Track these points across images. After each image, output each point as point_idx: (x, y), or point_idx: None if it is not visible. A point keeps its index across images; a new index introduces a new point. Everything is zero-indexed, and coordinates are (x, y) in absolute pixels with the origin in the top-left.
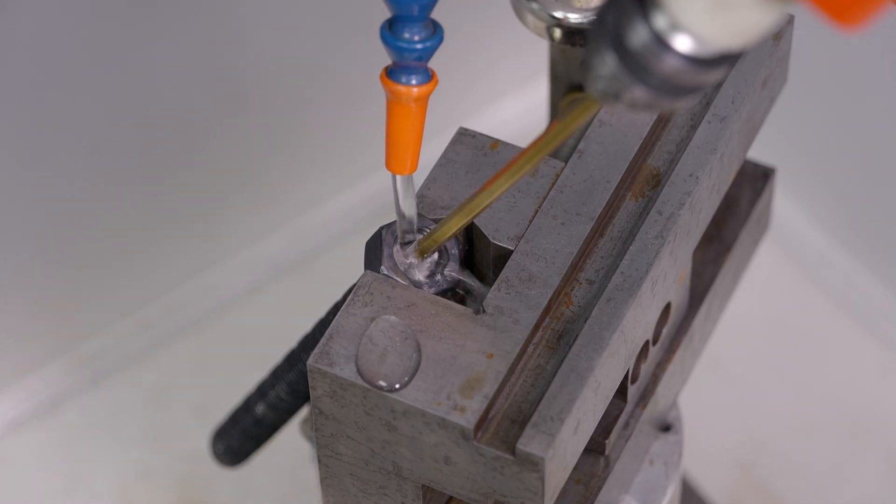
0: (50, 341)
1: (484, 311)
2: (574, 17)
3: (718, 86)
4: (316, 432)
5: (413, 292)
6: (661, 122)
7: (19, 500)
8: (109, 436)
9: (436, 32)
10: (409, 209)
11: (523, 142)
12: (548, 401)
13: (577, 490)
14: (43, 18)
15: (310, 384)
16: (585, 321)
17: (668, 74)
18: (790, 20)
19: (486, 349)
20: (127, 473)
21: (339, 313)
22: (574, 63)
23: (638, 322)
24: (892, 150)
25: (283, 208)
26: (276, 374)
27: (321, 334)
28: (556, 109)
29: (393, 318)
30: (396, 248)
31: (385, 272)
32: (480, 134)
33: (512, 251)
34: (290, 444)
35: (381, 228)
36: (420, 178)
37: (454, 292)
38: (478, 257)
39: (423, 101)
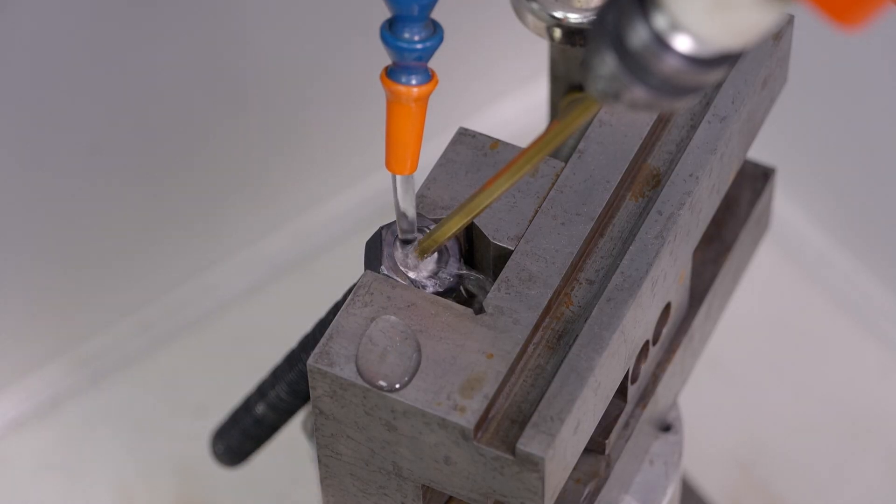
0: (50, 341)
1: (484, 310)
2: (574, 17)
3: (718, 86)
4: (316, 432)
5: (413, 292)
6: (661, 122)
7: (19, 500)
8: (109, 436)
9: (436, 32)
10: (409, 209)
11: (523, 142)
12: (548, 401)
13: (577, 490)
14: (43, 18)
15: (310, 384)
16: (585, 321)
17: (668, 74)
18: (790, 20)
19: (486, 349)
20: (127, 473)
21: (339, 313)
22: (574, 63)
23: (638, 322)
24: (892, 150)
25: (283, 208)
26: (276, 374)
27: (321, 334)
28: (556, 109)
29: (393, 318)
30: (396, 247)
31: (385, 272)
32: (480, 134)
33: (512, 251)
34: (290, 444)
35: (381, 228)
36: (420, 178)
37: (455, 292)
38: (478, 257)
39: (423, 101)
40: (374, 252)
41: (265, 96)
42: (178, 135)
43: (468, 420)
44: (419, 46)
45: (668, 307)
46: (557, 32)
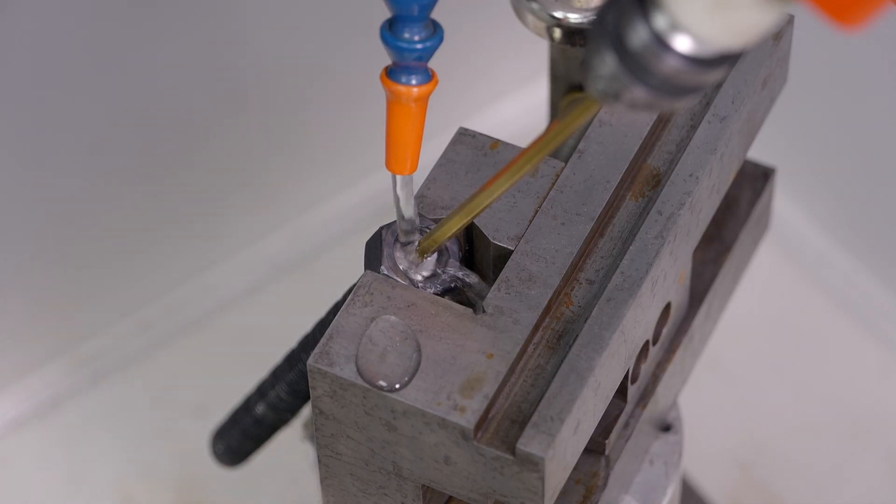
0: (50, 341)
1: (484, 311)
2: (574, 17)
3: (718, 86)
4: (316, 432)
5: (413, 292)
6: (661, 122)
7: (19, 500)
8: (109, 436)
9: (436, 32)
10: (409, 209)
11: (523, 142)
12: (548, 401)
13: (577, 490)
14: (43, 18)
15: (310, 384)
16: (585, 321)
17: (668, 74)
18: (790, 20)
19: (486, 349)
20: (127, 473)
21: (339, 313)
22: (574, 63)
23: (638, 322)
24: (892, 150)
25: (283, 208)
26: (276, 374)
27: (321, 334)
28: (556, 109)
29: (393, 318)
30: (396, 248)
31: (385, 272)
32: (480, 134)
33: (512, 251)
34: (290, 444)
35: (381, 228)
36: (420, 178)
37: (455, 292)
38: (478, 257)
39: (423, 101)
40: (374, 252)
41: (265, 96)
42: (178, 135)
43: (468, 420)
44: (419, 46)
45: (668, 307)
46: (557, 32)
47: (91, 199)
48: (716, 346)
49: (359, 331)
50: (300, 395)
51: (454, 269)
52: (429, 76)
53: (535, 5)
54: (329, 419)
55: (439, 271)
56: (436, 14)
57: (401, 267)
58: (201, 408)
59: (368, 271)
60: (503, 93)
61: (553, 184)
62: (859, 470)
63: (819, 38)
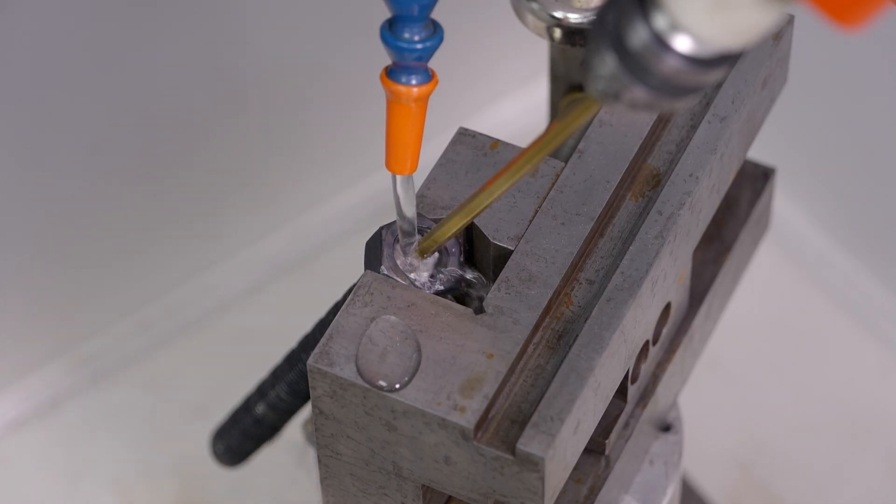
0: (50, 341)
1: (484, 311)
2: (574, 17)
3: (718, 86)
4: (316, 432)
5: (413, 292)
6: (661, 122)
7: (19, 500)
8: (109, 436)
9: (436, 32)
10: (409, 209)
11: (523, 142)
12: (548, 401)
13: (577, 490)
14: (43, 18)
15: (310, 384)
16: (585, 321)
17: (668, 74)
18: (790, 20)
19: (486, 349)
20: (127, 473)
21: (339, 313)
22: (574, 63)
23: (638, 322)
24: (892, 150)
25: (283, 208)
26: (276, 374)
27: (321, 334)
28: (556, 109)
29: (393, 318)
30: (396, 248)
31: (385, 272)
32: (480, 134)
33: (512, 251)
34: (290, 444)
35: (381, 228)
36: (420, 178)
37: (455, 292)
38: (478, 257)
39: (423, 101)
40: (374, 252)
41: (265, 96)
42: (178, 135)
43: (468, 420)
44: (419, 46)
45: (668, 307)
46: (557, 32)
47: (91, 199)
48: (716, 346)
49: (359, 331)
50: (300, 395)
51: (454, 269)
52: (429, 76)
53: (535, 5)
54: (329, 419)
55: (439, 271)
56: (436, 14)
57: (401, 267)
58: (201, 408)
59: (368, 271)
60: (503, 93)
61: (553, 184)
62: (859, 470)
63: (819, 38)
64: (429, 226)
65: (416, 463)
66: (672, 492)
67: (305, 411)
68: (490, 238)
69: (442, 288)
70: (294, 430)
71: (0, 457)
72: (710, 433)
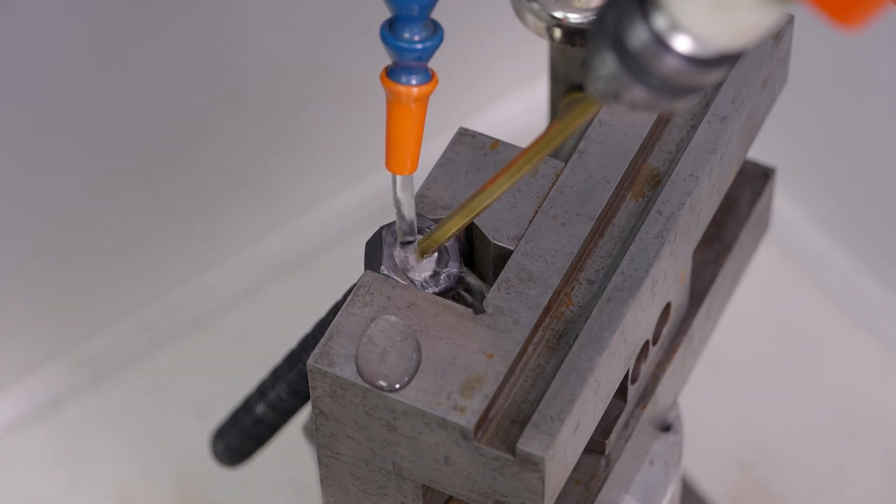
0: (50, 341)
1: (484, 311)
2: (574, 17)
3: (718, 86)
4: (316, 432)
5: (413, 292)
6: (661, 122)
7: (19, 500)
8: (109, 436)
9: (436, 32)
10: (409, 209)
11: (523, 142)
12: (548, 401)
13: (577, 490)
14: (43, 18)
15: (310, 384)
16: (585, 321)
17: (667, 75)
18: (790, 20)
19: (486, 349)
20: (127, 473)
21: (339, 313)
22: (574, 63)
23: (638, 322)
24: (892, 150)
25: (283, 208)
26: (276, 374)
27: (321, 334)
28: (556, 109)
29: (393, 318)
30: (396, 248)
31: (385, 272)
32: (480, 134)
33: (512, 251)
34: (290, 444)
35: (381, 228)
36: (420, 178)
37: (454, 292)
38: (478, 257)
39: (423, 101)
40: (374, 252)
41: (265, 96)
42: (178, 135)
43: (468, 420)
44: (419, 46)
45: (668, 307)
46: (557, 32)
47: (91, 199)
48: (716, 346)
49: (359, 331)
50: (300, 395)
51: (454, 269)
52: (429, 76)
53: (535, 5)
54: (329, 419)
55: (439, 271)
56: (436, 14)
57: (401, 267)
58: (201, 408)
59: (368, 271)
60: (503, 93)
61: (553, 184)
62: (859, 470)
63: (819, 38)
64: (429, 226)
65: (416, 463)
66: (672, 492)
67: (305, 411)
68: (490, 238)
69: (442, 288)
70: (294, 429)
71: (0, 457)
72: (710, 433)
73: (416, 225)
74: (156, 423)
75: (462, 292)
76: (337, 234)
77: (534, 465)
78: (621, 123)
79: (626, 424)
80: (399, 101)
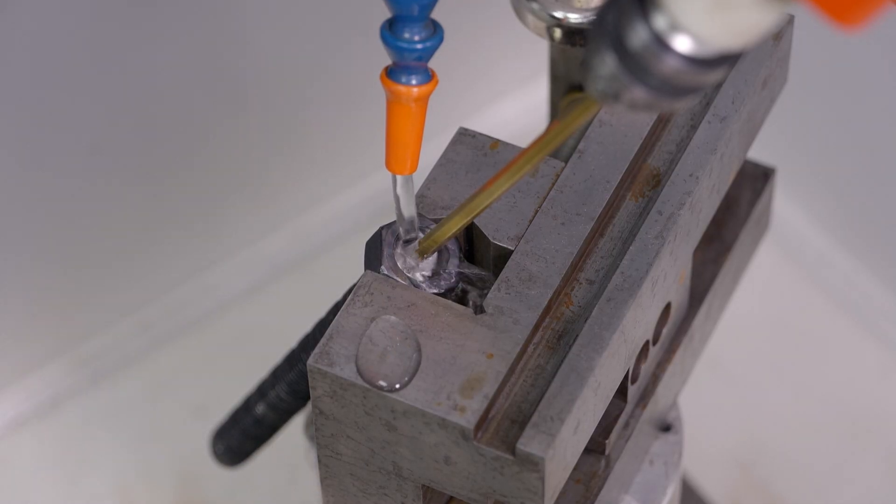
0: (50, 341)
1: (484, 310)
2: (574, 17)
3: (718, 86)
4: (316, 432)
5: (413, 292)
6: (661, 122)
7: (19, 500)
8: (109, 436)
9: (436, 32)
10: (409, 209)
11: (523, 142)
12: (548, 401)
13: (577, 490)
14: (43, 18)
15: (310, 384)
16: (585, 321)
17: (667, 75)
18: (790, 20)
19: (486, 349)
20: (127, 473)
21: (339, 313)
22: (574, 63)
23: (638, 322)
24: (892, 150)
25: (283, 208)
26: (276, 374)
27: (321, 334)
28: (556, 109)
29: (393, 318)
30: (396, 248)
31: (385, 272)
32: (480, 134)
33: (512, 251)
34: (290, 444)
35: (381, 228)
36: (420, 178)
37: (454, 292)
38: (478, 257)
39: (423, 101)
40: (374, 252)
41: (265, 96)
42: (178, 135)
43: (468, 420)
44: (419, 46)
45: (668, 307)
46: (557, 32)
47: (91, 199)
48: (716, 346)
49: (359, 331)
50: (300, 395)
51: (455, 267)
52: (429, 76)
53: (535, 5)
54: (329, 419)
55: (439, 271)
56: (436, 14)
57: (401, 267)
58: (201, 408)
59: (368, 271)
60: (503, 93)
61: (553, 184)
62: (859, 470)
63: (819, 38)
64: (429, 226)
65: (416, 463)
66: (672, 492)
67: (305, 411)
68: (490, 238)
69: (442, 288)
70: (294, 429)
71: (0, 457)
72: (710, 433)
73: (416, 225)
74: (156, 423)
75: (465, 285)
76: (337, 234)
77: (534, 465)
78: (621, 123)
79: (626, 424)
80: (399, 101)
